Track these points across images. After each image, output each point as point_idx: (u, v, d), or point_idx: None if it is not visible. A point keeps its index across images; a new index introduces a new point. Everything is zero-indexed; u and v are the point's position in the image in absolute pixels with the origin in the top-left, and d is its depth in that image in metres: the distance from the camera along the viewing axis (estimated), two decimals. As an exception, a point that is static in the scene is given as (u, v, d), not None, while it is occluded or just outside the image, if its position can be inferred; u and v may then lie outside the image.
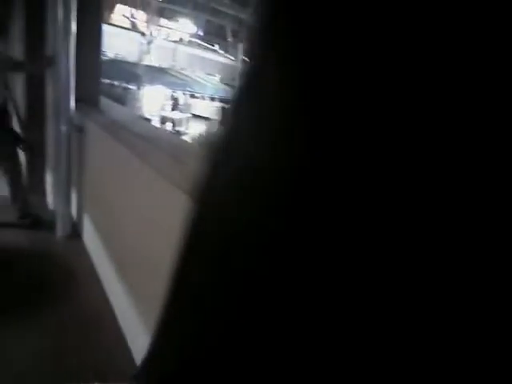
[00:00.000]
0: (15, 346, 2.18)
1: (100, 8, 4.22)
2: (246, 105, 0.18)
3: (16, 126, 3.72)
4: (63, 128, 3.32)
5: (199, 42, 27.04)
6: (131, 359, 2.10)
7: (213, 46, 27.13)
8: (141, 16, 23.70)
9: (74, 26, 3.22)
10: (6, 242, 3.36)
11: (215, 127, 0.20)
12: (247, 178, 0.17)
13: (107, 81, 14.14)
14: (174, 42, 25.32)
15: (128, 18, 23.18)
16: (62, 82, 3.28)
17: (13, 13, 5.86)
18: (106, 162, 2.91)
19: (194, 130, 16.50)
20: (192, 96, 20.99)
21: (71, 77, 3.30)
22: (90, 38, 4.10)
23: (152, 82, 19.49)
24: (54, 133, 3.52)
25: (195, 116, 18.85)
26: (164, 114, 17.79)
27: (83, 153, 3.44)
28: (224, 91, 22.47)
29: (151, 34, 22.38)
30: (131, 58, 21.08)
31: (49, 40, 3.78)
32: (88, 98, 4.11)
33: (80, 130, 3.38)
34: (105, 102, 4.33)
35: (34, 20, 4.15)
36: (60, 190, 3.46)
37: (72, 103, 3.34)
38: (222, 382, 0.17)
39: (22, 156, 3.89)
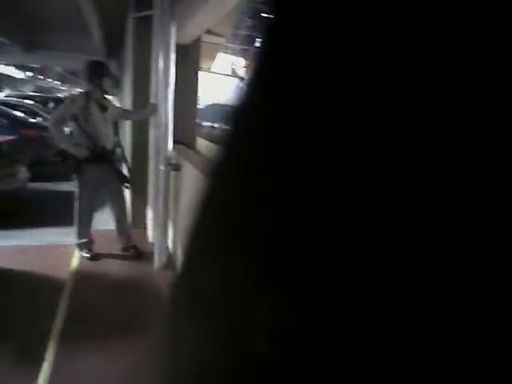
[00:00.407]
0: (110, 368, 2.40)
1: (196, 60, 4.64)
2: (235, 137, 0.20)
3: (122, 167, 4.15)
4: (162, 167, 3.65)
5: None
6: None
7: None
8: (240, 62, 24.98)
9: (172, 77, 3.58)
10: (110, 271, 3.70)
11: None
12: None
13: (208, 124, 14.98)
14: (271, 84, 26.15)
15: (228, 65, 24.56)
16: (161, 126, 3.63)
17: (124, 68, 6.55)
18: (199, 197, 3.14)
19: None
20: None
21: (170, 121, 3.64)
22: (187, 87, 4.49)
23: (249, 123, 20.19)
24: (154, 172, 3.88)
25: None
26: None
27: (179, 189, 3.73)
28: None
29: (249, 79, 23.40)
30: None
31: (152, 90, 4.20)
32: (185, 140, 4.46)
33: (177, 168, 3.68)
34: (202, 142, 4.65)
35: (139, 73, 4.65)
36: (158, 224, 3.76)
37: (170, 145, 3.67)
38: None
39: (126, 194, 4.30)
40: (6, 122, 7.58)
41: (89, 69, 3.87)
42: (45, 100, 13.10)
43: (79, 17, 8.32)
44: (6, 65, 19.15)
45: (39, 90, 25.29)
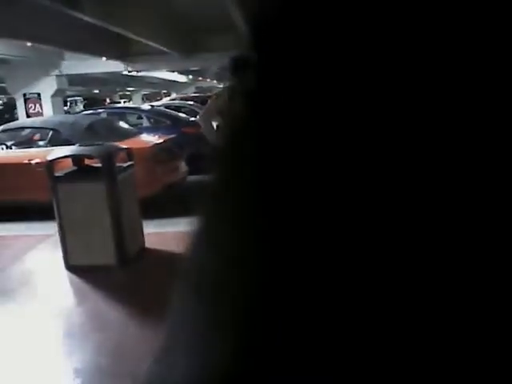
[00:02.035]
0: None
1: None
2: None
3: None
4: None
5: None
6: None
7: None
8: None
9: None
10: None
11: None
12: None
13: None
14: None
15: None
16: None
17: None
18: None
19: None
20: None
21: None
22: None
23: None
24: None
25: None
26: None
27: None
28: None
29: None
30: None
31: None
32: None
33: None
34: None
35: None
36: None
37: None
38: None
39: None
40: (168, 122, 8.46)
41: (230, 64, 4.11)
42: (204, 99, 14.21)
43: (226, 15, 8.83)
44: (172, 71, 21.25)
45: (199, 90, 27.54)
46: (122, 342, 2.64)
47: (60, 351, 2.66)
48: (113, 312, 3.03)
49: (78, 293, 3.48)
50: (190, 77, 25.70)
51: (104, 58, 13.41)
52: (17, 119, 14.07)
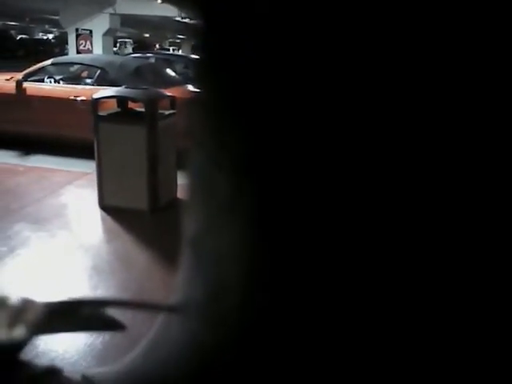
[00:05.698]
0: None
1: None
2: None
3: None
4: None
5: None
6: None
7: None
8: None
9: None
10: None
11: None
12: None
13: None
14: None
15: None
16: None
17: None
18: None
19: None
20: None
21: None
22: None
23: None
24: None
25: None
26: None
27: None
28: None
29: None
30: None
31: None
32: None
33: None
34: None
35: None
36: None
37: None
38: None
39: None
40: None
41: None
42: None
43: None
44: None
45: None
46: (144, 284, 2.72)
47: (85, 284, 2.76)
48: (139, 254, 3.12)
49: (108, 231, 3.59)
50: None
51: (159, 0, 13.29)
52: (67, 54, 14.26)
